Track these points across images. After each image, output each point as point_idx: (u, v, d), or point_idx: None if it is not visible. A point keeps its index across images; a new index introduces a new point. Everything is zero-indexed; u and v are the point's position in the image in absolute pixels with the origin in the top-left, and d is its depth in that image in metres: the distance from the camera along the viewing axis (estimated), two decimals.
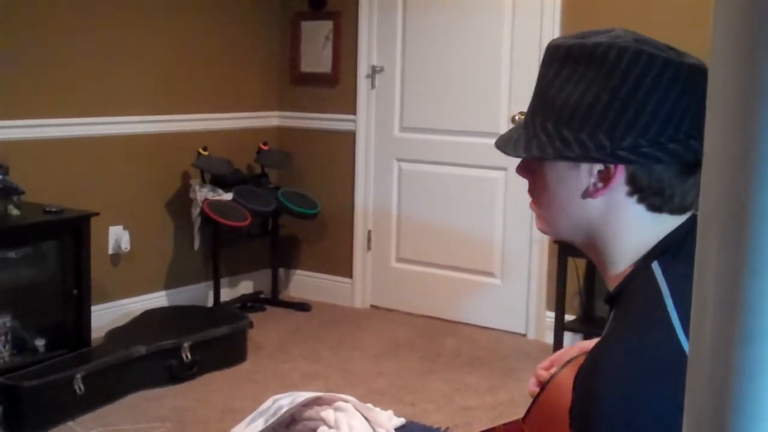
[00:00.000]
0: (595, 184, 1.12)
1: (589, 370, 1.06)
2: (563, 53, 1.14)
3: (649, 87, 1.08)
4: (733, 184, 0.45)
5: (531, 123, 1.16)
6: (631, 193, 1.12)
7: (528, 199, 1.22)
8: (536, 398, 1.21)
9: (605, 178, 1.11)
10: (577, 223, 1.16)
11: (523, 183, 1.22)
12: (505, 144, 1.19)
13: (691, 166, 1.11)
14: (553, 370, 1.26)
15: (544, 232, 1.23)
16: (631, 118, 1.08)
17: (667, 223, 1.13)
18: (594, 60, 1.11)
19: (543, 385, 1.21)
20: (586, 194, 1.13)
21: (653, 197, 1.12)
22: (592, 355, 1.08)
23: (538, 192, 1.19)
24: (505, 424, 1.41)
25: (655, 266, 1.10)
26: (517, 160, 1.21)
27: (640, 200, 1.12)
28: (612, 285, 1.17)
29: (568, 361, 1.19)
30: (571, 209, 1.15)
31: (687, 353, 1.02)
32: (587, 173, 1.12)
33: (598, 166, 1.11)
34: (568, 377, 1.10)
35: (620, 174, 1.11)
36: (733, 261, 0.44)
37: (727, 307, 0.45)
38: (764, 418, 0.43)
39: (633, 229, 1.13)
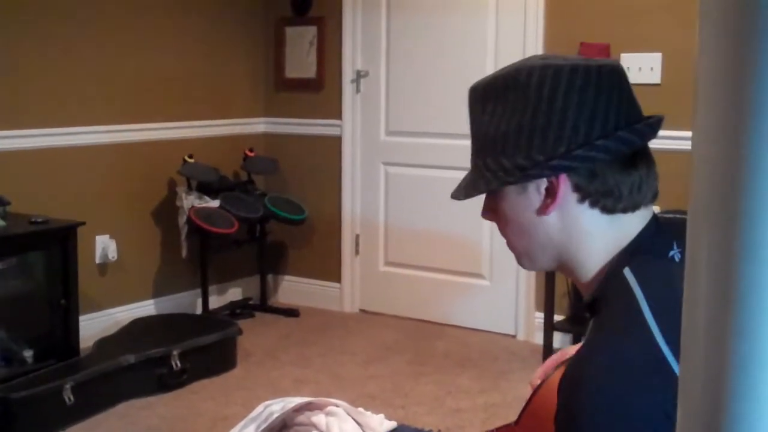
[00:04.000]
0: (544, 201, 1.16)
1: (570, 380, 1.07)
2: (481, 92, 1.22)
3: (564, 95, 1.12)
4: (723, 176, 0.45)
5: (475, 164, 1.22)
6: (581, 200, 1.15)
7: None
8: (528, 402, 1.22)
9: (552, 192, 1.15)
10: (544, 244, 1.19)
11: None
12: (457, 192, 1.24)
13: (630, 158, 1.14)
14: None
15: (527, 268, 1.28)
16: (557, 129, 1.12)
17: (625, 223, 1.16)
18: (508, 87, 1.16)
19: (535, 390, 1.21)
20: (540, 212, 1.17)
21: (604, 199, 1.15)
22: (573, 363, 1.09)
23: (505, 228, 1.23)
24: (498, 428, 1.42)
25: (627, 272, 1.12)
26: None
27: (592, 204, 1.15)
28: (586, 293, 1.19)
29: (560, 365, 1.19)
30: (532, 231, 1.19)
31: (666, 357, 1.03)
32: (535, 192, 1.17)
33: (544, 183, 1.15)
34: (558, 382, 1.11)
35: (564, 184, 1.14)
36: (725, 254, 0.44)
37: (719, 302, 0.45)
38: (759, 414, 0.43)
39: (593, 234, 1.16)
